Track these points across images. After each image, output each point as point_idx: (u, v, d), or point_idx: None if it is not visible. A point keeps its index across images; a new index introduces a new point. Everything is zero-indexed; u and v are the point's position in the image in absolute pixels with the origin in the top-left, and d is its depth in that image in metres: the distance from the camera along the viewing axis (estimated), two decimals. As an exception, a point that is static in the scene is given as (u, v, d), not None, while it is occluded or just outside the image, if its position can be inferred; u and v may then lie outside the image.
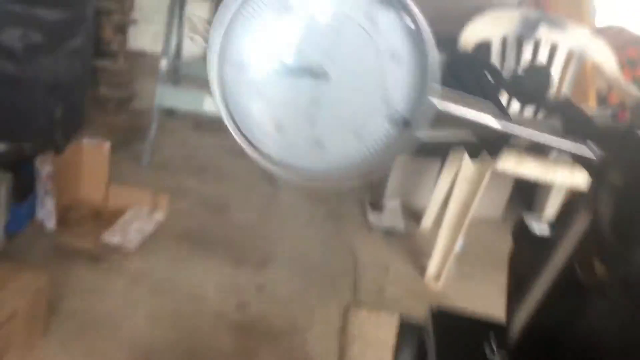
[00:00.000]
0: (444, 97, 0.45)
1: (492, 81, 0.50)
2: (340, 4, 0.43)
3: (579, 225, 0.50)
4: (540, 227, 0.58)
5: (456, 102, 0.45)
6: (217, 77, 0.44)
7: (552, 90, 0.53)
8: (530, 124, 0.53)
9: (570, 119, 0.52)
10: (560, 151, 0.47)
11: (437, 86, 0.44)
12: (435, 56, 0.43)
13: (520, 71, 0.53)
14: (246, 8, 0.44)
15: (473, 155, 0.52)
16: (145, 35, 4.44)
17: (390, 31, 0.44)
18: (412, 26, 0.43)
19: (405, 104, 0.45)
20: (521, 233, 0.58)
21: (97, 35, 3.22)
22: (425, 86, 0.44)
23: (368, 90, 0.44)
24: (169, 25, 3.02)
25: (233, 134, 0.44)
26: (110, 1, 3.28)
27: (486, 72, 0.50)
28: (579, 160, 0.47)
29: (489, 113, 0.46)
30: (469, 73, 0.49)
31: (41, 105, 2.83)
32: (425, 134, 0.50)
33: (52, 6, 2.70)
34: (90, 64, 3.15)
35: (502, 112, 0.47)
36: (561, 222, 0.57)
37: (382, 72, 0.44)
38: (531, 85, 0.52)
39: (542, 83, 0.52)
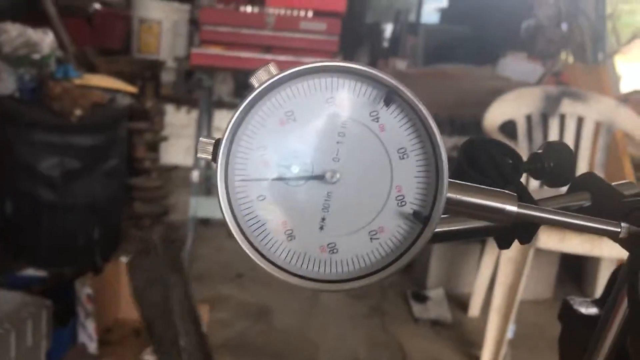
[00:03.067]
0: (459, 189, 0.44)
1: (511, 163, 0.48)
2: (346, 109, 0.44)
3: (624, 303, 0.47)
4: (587, 305, 0.55)
5: (471, 192, 0.44)
6: (225, 193, 0.44)
7: (574, 166, 0.51)
8: (558, 201, 0.51)
9: (598, 194, 0.50)
10: (591, 230, 0.45)
11: (448, 178, 0.43)
12: (443, 148, 0.42)
13: (539, 150, 0.51)
14: (250, 122, 0.44)
15: (503, 245, 0.50)
16: (176, 150, 4.60)
17: (396, 129, 0.44)
18: (418, 121, 0.43)
19: (418, 200, 0.44)
20: (568, 314, 0.55)
21: (129, 154, 3.33)
22: (437, 180, 0.43)
23: (379, 189, 0.44)
24: (198, 138, 3.11)
25: (243, 247, 0.45)
26: (141, 122, 3.42)
27: (503, 154, 0.49)
28: (612, 238, 0.45)
29: (507, 200, 0.44)
30: (485, 157, 0.47)
31: (79, 228, 2.90)
32: (445, 227, 0.49)
33: (86, 132, 2.82)
34: (124, 183, 3.25)
35: (524, 196, 0.45)
36: (606, 299, 0.54)
37: (392, 170, 0.43)
38: (553, 164, 0.50)
39: (564, 160, 0.50)
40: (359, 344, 2.54)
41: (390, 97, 0.43)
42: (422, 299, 2.89)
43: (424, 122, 0.43)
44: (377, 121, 0.43)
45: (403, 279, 3.09)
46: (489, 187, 0.44)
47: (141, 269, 0.36)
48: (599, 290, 2.83)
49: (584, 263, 3.16)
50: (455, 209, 0.44)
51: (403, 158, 0.43)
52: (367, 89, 0.43)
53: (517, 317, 2.33)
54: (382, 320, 2.74)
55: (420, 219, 0.43)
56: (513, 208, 0.43)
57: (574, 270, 3.24)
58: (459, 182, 0.44)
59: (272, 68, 0.43)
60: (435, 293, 2.93)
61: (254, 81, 0.43)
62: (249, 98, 0.43)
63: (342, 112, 0.43)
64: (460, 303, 2.92)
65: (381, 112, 0.43)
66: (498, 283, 2.32)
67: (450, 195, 0.43)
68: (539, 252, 2.36)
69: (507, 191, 0.44)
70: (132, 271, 0.39)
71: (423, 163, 0.43)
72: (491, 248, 2.67)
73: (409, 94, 0.42)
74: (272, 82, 0.43)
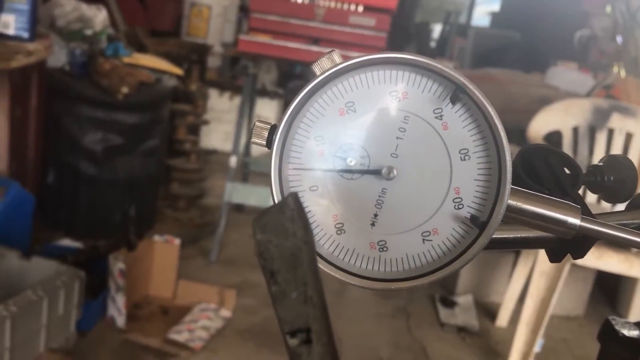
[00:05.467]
0: (521, 197, 0.42)
1: (570, 175, 0.46)
2: (409, 104, 0.42)
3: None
4: (629, 327, 0.53)
5: (533, 201, 0.42)
6: (278, 180, 0.43)
7: (636, 182, 0.49)
8: (616, 218, 0.49)
9: None
10: None
11: (511, 184, 0.41)
12: (508, 152, 0.40)
13: (599, 162, 0.49)
14: (308, 110, 0.43)
15: (554, 258, 0.47)
16: (216, 135, 4.64)
17: (460, 128, 0.42)
18: (483, 122, 0.42)
19: (477, 204, 0.42)
20: (608, 334, 0.53)
21: (170, 135, 3.36)
22: (499, 184, 0.41)
23: (436, 189, 0.42)
24: (239, 124, 3.14)
25: None
26: (184, 104, 3.45)
27: (562, 165, 0.46)
28: None
29: (570, 212, 0.41)
30: (544, 166, 0.45)
31: (117, 203, 2.95)
32: (499, 234, 0.47)
33: (131, 110, 2.87)
34: (163, 163, 3.29)
35: (583, 210, 0.42)
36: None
37: (451, 171, 0.42)
38: (614, 178, 0.48)
39: (626, 175, 0.48)
40: (383, 343, 2.53)
41: (456, 95, 0.41)
42: (450, 304, 2.86)
43: (490, 124, 0.41)
44: (441, 119, 0.42)
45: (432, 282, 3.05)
46: (552, 197, 0.42)
47: (271, 222, 0.36)
48: (633, 312, 2.76)
49: (619, 282, 3.08)
50: (514, 217, 0.42)
51: (464, 159, 0.42)
52: (432, 84, 0.42)
53: (546, 332, 2.29)
54: (407, 321, 2.72)
55: (477, 224, 0.41)
56: (576, 221, 0.41)
57: (608, 289, 3.16)
58: (520, 189, 0.42)
59: (336, 56, 0.42)
60: (464, 299, 2.90)
61: (316, 69, 0.42)
62: (310, 85, 0.42)
63: (404, 107, 0.42)
64: (488, 312, 2.88)
65: (445, 110, 0.42)
66: (530, 296, 2.28)
67: (510, 202, 0.41)
68: (574, 267, 2.31)
69: (570, 202, 0.42)
70: (259, 224, 0.38)
71: (485, 166, 0.42)
72: (525, 259, 2.63)
73: (478, 93, 0.41)
74: (335, 71, 0.42)
